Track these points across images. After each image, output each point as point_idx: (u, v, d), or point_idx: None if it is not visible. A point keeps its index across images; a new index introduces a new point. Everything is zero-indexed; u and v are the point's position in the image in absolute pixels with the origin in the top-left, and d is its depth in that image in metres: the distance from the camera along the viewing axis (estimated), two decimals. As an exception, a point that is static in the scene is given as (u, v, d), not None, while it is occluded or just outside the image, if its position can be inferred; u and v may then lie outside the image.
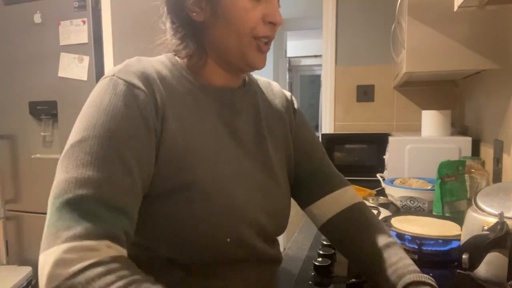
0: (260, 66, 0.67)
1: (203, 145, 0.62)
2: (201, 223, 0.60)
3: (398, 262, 0.65)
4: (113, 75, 0.59)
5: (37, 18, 1.95)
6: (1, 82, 2.05)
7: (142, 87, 0.59)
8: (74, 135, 0.56)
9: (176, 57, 0.68)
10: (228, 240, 0.62)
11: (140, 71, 0.60)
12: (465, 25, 1.24)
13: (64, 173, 0.53)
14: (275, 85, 0.86)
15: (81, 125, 0.56)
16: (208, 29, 0.65)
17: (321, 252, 0.91)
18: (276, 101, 0.81)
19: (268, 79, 0.86)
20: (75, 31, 1.89)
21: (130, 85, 0.58)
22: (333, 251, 0.92)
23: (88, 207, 0.51)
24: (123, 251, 0.52)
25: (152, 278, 0.49)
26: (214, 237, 0.61)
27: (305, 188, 0.80)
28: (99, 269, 0.47)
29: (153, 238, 0.61)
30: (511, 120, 1.18)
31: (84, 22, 1.87)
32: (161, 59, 0.67)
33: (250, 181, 0.67)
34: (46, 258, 0.49)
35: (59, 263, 0.47)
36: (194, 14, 0.64)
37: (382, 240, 0.69)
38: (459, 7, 0.90)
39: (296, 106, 0.86)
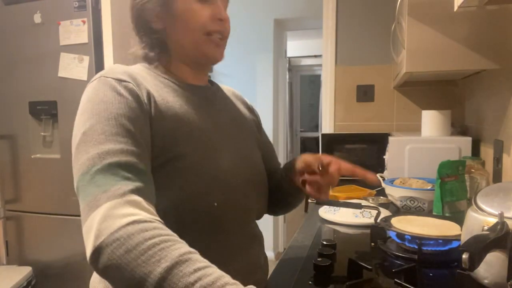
0: (217, 57, 0.78)
1: (188, 123, 0.72)
2: (191, 189, 0.68)
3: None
4: (100, 77, 0.67)
5: (37, 18, 1.95)
6: (1, 82, 2.04)
7: (129, 79, 0.68)
8: (81, 126, 0.62)
9: (150, 65, 0.79)
10: (216, 204, 0.70)
11: (124, 70, 0.70)
12: (465, 25, 1.24)
13: (85, 153, 0.59)
14: (238, 93, 0.98)
15: (85, 117, 0.63)
16: (168, 33, 0.77)
17: (321, 252, 0.91)
18: (241, 103, 0.94)
19: (230, 87, 0.98)
20: (75, 31, 1.89)
21: (118, 80, 0.67)
22: (333, 251, 0.93)
23: (117, 171, 0.58)
24: (154, 210, 0.58)
25: (184, 241, 0.53)
26: (203, 201, 0.69)
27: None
28: (139, 226, 0.52)
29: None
30: (511, 120, 1.18)
31: (84, 22, 1.86)
32: (136, 67, 0.78)
33: (230, 154, 0.76)
34: (93, 219, 0.53)
35: (105, 219, 0.53)
36: (154, 23, 0.76)
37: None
38: (459, 7, 0.90)
39: (257, 113, 1.01)
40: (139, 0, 0.77)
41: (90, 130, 0.61)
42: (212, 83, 0.88)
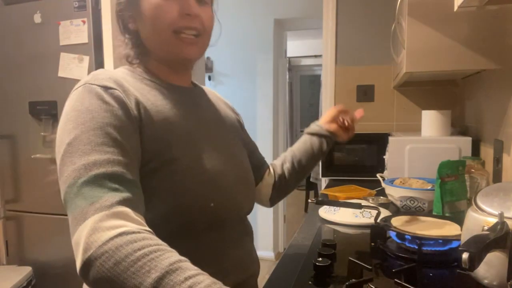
0: (190, 56, 0.75)
1: (178, 125, 0.72)
2: (187, 192, 0.68)
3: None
4: (85, 84, 0.66)
5: (37, 18, 1.95)
6: (1, 82, 2.04)
7: (115, 86, 0.67)
8: (66, 136, 0.61)
9: (133, 66, 0.79)
10: (212, 204, 0.71)
11: (108, 76, 0.68)
12: (465, 25, 1.24)
13: (71, 165, 0.58)
14: (219, 95, 0.98)
15: (69, 127, 0.61)
16: (141, 34, 0.76)
17: (321, 252, 0.91)
18: (223, 104, 0.95)
19: (212, 90, 0.98)
20: (75, 31, 1.89)
21: (104, 87, 0.66)
22: (333, 251, 0.93)
23: (104, 183, 0.57)
24: (143, 221, 0.58)
25: (174, 250, 0.53)
26: (199, 202, 0.70)
27: None
28: (128, 237, 0.52)
29: (147, 211, 0.65)
30: (511, 120, 1.18)
31: (84, 22, 1.86)
32: (120, 70, 0.77)
33: (221, 155, 0.77)
34: (81, 232, 0.53)
35: (92, 232, 0.52)
36: (130, 24, 0.76)
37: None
38: (459, 7, 0.90)
39: (239, 115, 1.01)
40: (117, 1, 0.78)
41: (76, 140, 0.60)
42: (194, 85, 0.88)
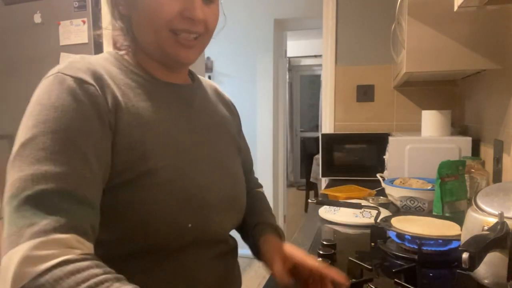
0: (185, 60, 0.66)
1: (161, 132, 0.63)
2: (162, 209, 0.59)
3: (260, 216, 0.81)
4: (58, 73, 0.57)
5: (37, 18, 1.95)
6: (1, 82, 2.04)
7: (91, 81, 0.57)
8: (23, 134, 0.53)
9: (119, 53, 0.68)
10: (190, 225, 0.62)
11: (86, 66, 0.59)
12: (465, 25, 1.24)
13: (19, 171, 0.50)
14: (220, 89, 0.86)
15: (29, 123, 0.53)
16: (133, 23, 0.66)
17: (321, 252, 0.91)
18: (222, 103, 0.83)
19: (212, 82, 0.86)
20: (75, 31, 1.89)
21: (77, 80, 0.56)
22: (333, 251, 0.93)
23: (50, 201, 0.49)
24: (90, 247, 0.50)
25: (123, 277, 0.48)
26: (176, 222, 0.61)
27: None
28: (68, 268, 0.45)
29: (113, 231, 0.58)
30: (511, 120, 1.17)
31: (84, 22, 1.86)
32: (104, 56, 0.66)
33: (209, 167, 0.68)
34: (11, 258, 0.45)
35: (25, 261, 0.44)
36: (121, 7, 0.66)
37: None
38: (459, 7, 0.90)
39: (238, 112, 0.89)
40: None
41: (31, 142, 0.51)
42: (193, 77, 0.78)
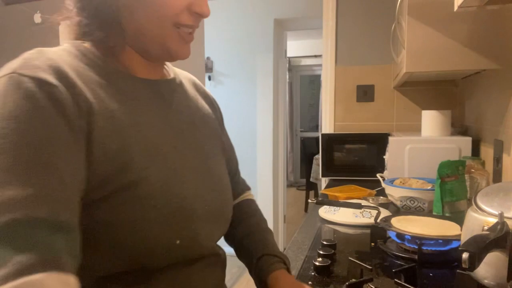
0: (183, 56, 0.62)
1: (141, 138, 0.55)
2: (146, 226, 0.53)
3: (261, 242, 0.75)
4: (12, 73, 0.48)
5: (37, 18, 1.95)
6: (1, 82, 2.05)
7: (54, 81, 0.49)
8: None
9: (84, 44, 0.58)
10: (178, 242, 0.56)
11: (47, 63, 0.50)
12: (465, 25, 1.24)
13: None
14: (198, 81, 0.79)
15: None
16: (126, 14, 0.57)
17: (321, 252, 0.91)
18: (203, 96, 0.76)
19: (188, 73, 0.78)
20: (75, 31, 1.90)
21: (38, 81, 0.47)
22: (333, 251, 0.93)
23: (20, 234, 0.40)
24: (74, 283, 0.43)
25: None
26: (162, 239, 0.54)
27: None
28: None
29: (91, 252, 0.51)
30: (511, 120, 1.18)
31: (84, 22, 1.87)
32: (66, 48, 0.57)
33: (195, 174, 0.62)
34: None
35: None
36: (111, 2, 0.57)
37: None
38: (459, 7, 0.90)
39: (219, 106, 0.82)
40: None
41: None
42: (168, 71, 0.70)
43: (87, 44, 0.59)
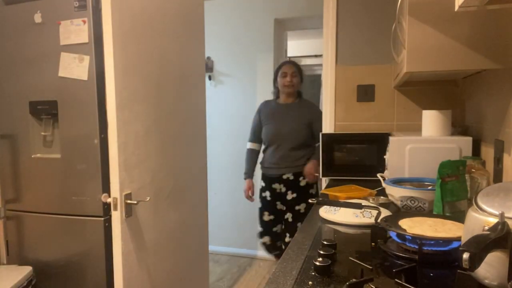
0: (289, 93, 2.79)
1: (269, 119, 2.71)
2: None
3: None
4: None
5: (37, 18, 1.95)
6: (1, 82, 2.04)
7: (260, 107, 2.85)
8: None
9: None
10: None
11: (263, 103, 2.86)
12: (466, 25, 1.24)
13: None
14: (313, 105, 2.73)
15: None
16: (278, 86, 2.77)
17: (321, 252, 0.91)
18: (306, 109, 2.57)
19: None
20: (75, 31, 1.89)
21: (258, 109, 2.86)
22: (333, 251, 0.92)
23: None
24: None
25: None
26: None
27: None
28: None
29: None
30: (512, 120, 1.17)
31: (84, 22, 1.86)
32: (271, 99, 2.79)
33: (284, 131, 2.69)
34: None
35: None
36: (276, 83, 2.77)
37: None
38: (460, 7, 0.90)
39: (317, 111, 2.45)
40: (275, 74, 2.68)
41: None
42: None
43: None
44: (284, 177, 2.67)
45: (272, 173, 2.72)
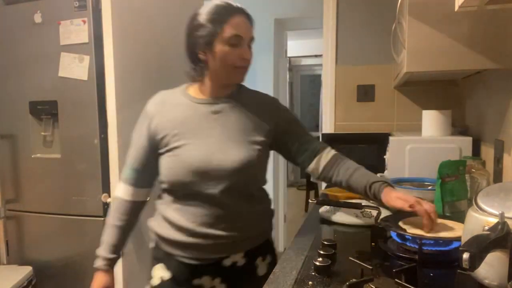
0: (239, 81, 1.15)
1: (184, 133, 1.08)
2: (183, 170, 1.05)
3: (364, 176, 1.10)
4: None
5: (37, 18, 1.94)
6: (1, 82, 2.04)
7: (151, 108, 1.15)
8: None
9: (191, 85, 1.16)
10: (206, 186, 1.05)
11: (154, 99, 1.18)
12: (466, 25, 1.24)
13: None
14: (266, 99, 1.24)
15: None
16: (208, 64, 1.08)
17: (321, 252, 0.91)
18: (260, 108, 1.16)
19: (263, 93, 1.24)
20: (75, 31, 1.88)
21: (146, 110, 1.16)
22: (333, 251, 0.92)
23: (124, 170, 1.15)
24: (130, 190, 1.15)
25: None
26: (192, 182, 1.04)
27: (301, 157, 1.16)
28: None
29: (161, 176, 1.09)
30: (512, 120, 1.17)
31: (84, 22, 1.86)
32: (179, 89, 1.18)
33: (215, 154, 1.06)
34: None
35: None
36: (199, 55, 1.06)
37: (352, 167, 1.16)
38: (460, 7, 0.90)
39: (281, 107, 1.21)
40: (194, 35, 1.04)
41: None
42: (233, 91, 1.16)
43: (193, 81, 1.16)
44: (226, 262, 1.11)
45: (193, 256, 1.09)
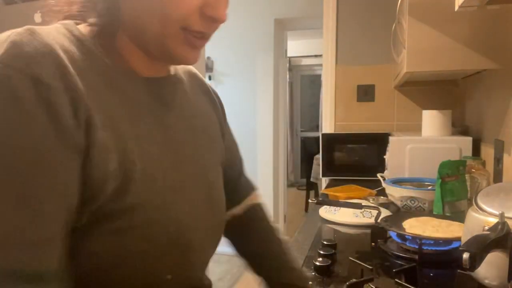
0: (188, 61, 0.51)
1: (142, 154, 0.46)
2: (138, 258, 0.45)
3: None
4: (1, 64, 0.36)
5: (37, 18, 1.95)
6: (2, 82, 2.05)
7: (53, 79, 0.38)
8: None
9: (78, 27, 0.47)
10: (169, 277, 0.49)
11: (42, 51, 0.38)
12: (466, 25, 1.24)
13: None
14: (198, 74, 0.67)
15: None
16: (126, 7, 0.47)
17: (321, 252, 0.91)
18: (203, 92, 0.66)
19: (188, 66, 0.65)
20: (75, 31, 1.90)
21: (33, 79, 0.36)
22: (333, 251, 0.92)
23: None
24: None
25: None
26: (152, 274, 0.47)
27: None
28: None
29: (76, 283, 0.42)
30: (512, 120, 1.17)
31: (84, 22, 1.87)
32: (60, 30, 0.44)
33: (192, 192, 0.54)
34: None
35: None
36: None
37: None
38: (460, 7, 0.90)
39: (221, 100, 0.70)
40: None
41: None
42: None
43: (82, 28, 0.47)
44: None
45: None
